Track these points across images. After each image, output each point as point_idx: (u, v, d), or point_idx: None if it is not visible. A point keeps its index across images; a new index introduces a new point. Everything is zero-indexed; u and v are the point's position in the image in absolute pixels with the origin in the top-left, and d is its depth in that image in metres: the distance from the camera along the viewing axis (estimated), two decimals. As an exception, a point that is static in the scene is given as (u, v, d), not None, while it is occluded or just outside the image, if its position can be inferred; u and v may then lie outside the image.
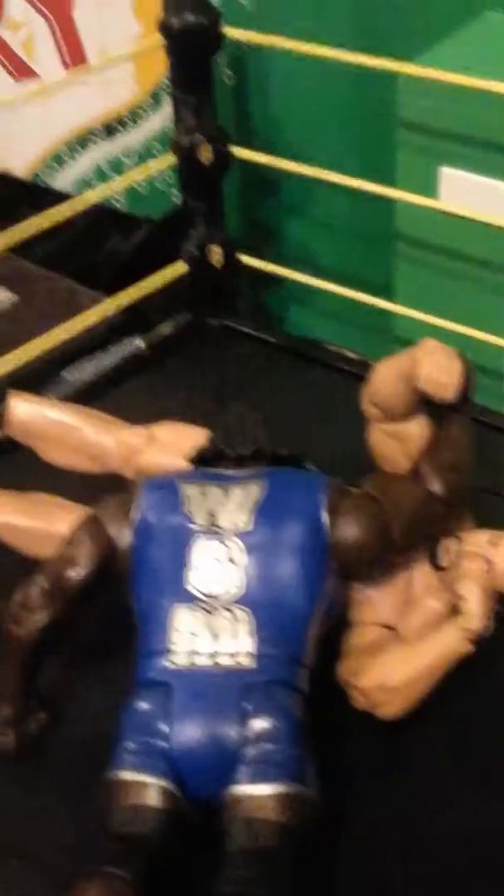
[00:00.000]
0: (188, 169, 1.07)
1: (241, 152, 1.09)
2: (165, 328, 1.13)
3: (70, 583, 0.70)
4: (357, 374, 0.81)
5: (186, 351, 1.12)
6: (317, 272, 1.12)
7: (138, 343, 1.12)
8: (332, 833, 0.65)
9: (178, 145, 1.06)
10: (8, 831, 0.68)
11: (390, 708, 0.70)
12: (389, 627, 0.75)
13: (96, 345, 1.12)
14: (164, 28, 1.02)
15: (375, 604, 0.75)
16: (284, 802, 0.61)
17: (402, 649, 0.71)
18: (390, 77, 1.00)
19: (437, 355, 0.73)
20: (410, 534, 0.72)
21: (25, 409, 0.85)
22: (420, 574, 0.76)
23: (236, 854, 0.60)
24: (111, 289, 1.13)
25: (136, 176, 1.15)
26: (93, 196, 1.10)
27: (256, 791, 0.62)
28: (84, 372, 1.08)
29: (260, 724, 0.64)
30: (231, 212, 1.19)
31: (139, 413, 0.87)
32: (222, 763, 0.63)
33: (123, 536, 0.71)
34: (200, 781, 0.64)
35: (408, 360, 0.75)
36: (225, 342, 1.13)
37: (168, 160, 1.08)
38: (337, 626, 0.74)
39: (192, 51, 1.03)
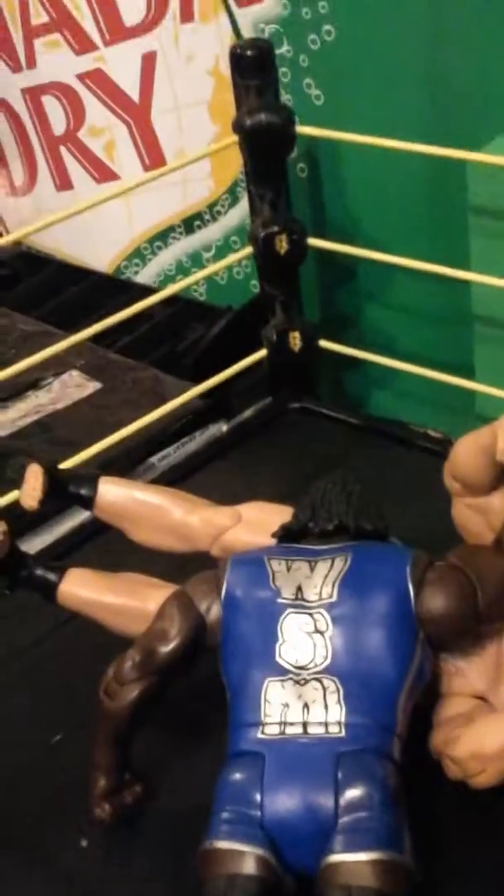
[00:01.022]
0: (265, 259, 1.10)
1: (316, 242, 1.12)
2: (247, 413, 1.16)
3: (161, 656, 0.72)
4: (440, 452, 0.82)
5: (268, 434, 1.14)
6: (396, 355, 1.15)
7: (221, 427, 1.14)
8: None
9: (254, 237, 1.09)
10: (106, 902, 0.69)
11: (485, 777, 0.69)
12: (481, 698, 0.75)
13: (181, 431, 1.15)
14: (238, 127, 1.06)
15: (466, 674, 0.76)
16: (381, 869, 0.61)
17: (494, 718, 0.71)
18: (460, 165, 1.03)
19: (516, 430, 0.74)
20: (497, 603, 0.72)
21: (114, 492, 0.87)
22: (510, 644, 0.76)
23: (334, 921, 0.60)
24: (194, 377, 1.16)
25: (217, 268, 1.19)
26: (175, 287, 1.14)
27: (352, 858, 0.62)
28: (171, 457, 1.11)
29: (353, 792, 0.64)
30: (310, 299, 1.22)
31: (223, 495, 0.89)
32: (317, 832, 0.64)
33: (213, 611, 0.73)
34: (295, 850, 0.64)
35: (488, 433, 0.76)
36: (306, 425, 1.15)
37: (246, 252, 1.12)
38: (429, 698, 0.74)
39: (266, 148, 1.07)
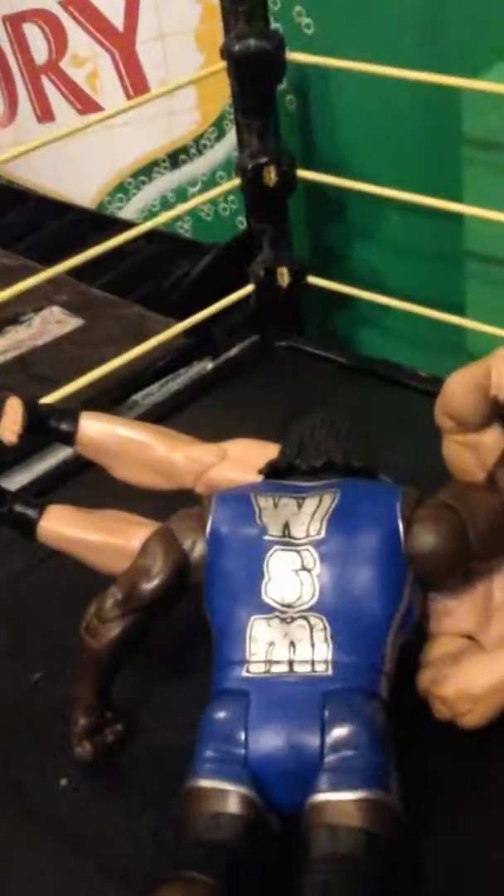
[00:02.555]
0: (253, 192, 1.08)
1: (305, 174, 1.09)
2: (233, 350, 1.14)
3: (143, 594, 0.70)
4: (429, 391, 0.80)
5: (255, 373, 1.12)
6: (386, 292, 1.12)
7: (207, 365, 1.12)
8: (418, 844, 0.64)
9: (242, 168, 1.06)
10: (88, 841, 0.68)
11: (473, 717, 0.68)
12: (470, 637, 0.74)
13: (166, 369, 1.13)
14: (226, 53, 1.03)
15: (455, 614, 0.74)
16: (367, 808, 0.60)
17: (484, 657, 0.70)
18: (455, 94, 1.00)
19: (510, 363, 0.73)
20: (487, 541, 0.71)
21: (96, 427, 0.85)
22: (500, 583, 0.74)
23: (318, 861, 0.59)
24: (179, 314, 1.14)
25: (202, 200, 1.16)
26: (158, 221, 1.11)
27: (338, 797, 0.60)
28: (155, 395, 1.09)
29: (340, 731, 0.63)
30: (299, 235, 1.20)
31: (209, 432, 0.87)
32: (302, 771, 0.62)
33: (197, 548, 0.71)
34: (280, 789, 0.63)
35: (481, 368, 0.74)
36: (293, 363, 1.13)
37: (233, 184, 1.09)
38: (417, 637, 0.73)
39: (254, 75, 1.04)
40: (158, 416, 1.04)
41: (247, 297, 1.13)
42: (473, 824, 0.66)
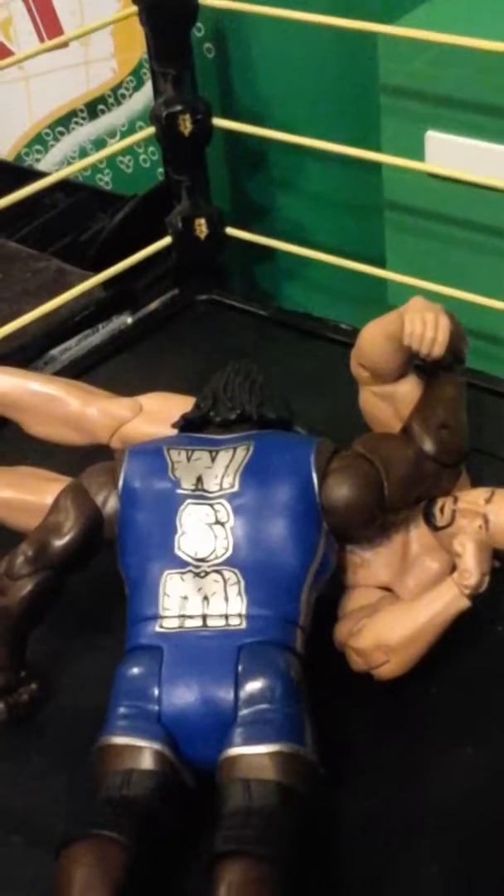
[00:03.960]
0: (169, 141, 1.06)
1: (222, 122, 1.07)
2: (153, 304, 1.12)
3: (55, 550, 0.69)
4: (349, 344, 0.80)
5: (175, 327, 1.11)
6: (307, 244, 1.11)
7: (126, 320, 1.11)
8: (333, 797, 0.64)
9: (157, 117, 1.04)
10: (2, 801, 0.67)
11: (389, 668, 0.68)
12: (387, 589, 0.74)
13: (85, 323, 1.11)
14: (138, -4, 1.01)
15: (371, 566, 0.74)
16: (281, 762, 0.60)
17: (399, 608, 0.70)
18: (373, 42, 0.99)
19: (423, 312, 0.72)
20: (403, 493, 0.71)
21: (8, 382, 0.84)
22: (417, 534, 0.74)
23: (233, 813, 0.58)
24: (98, 268, 1.11)
25: (117, 149, 1.13)
26: (73, 170, 1.09)
27: (252, 751, 0.60)
28: (72, 350, 1.07)
29: (253, 684, 0.63)
30: (219, 186, 1.18)
31: (127, 388, 0.86)
32: (216, 725, 0.62)
33: (109, 503, 0.70)
34: (194, 744, 0.62)
35: (395, 318, 0.73)
36: (214, 317, 1.12)
37: (147, 132, 1.07)
38: (333, 589, 0.72)
39: (167, 20, 1.02)
40: (76, 371, 1.02)
41: (167, 251, 1.11)
42: (388, 774, 0.66)
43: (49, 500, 0.73)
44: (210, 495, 0.69)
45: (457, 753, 0.67)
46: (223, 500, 0.68)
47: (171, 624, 0.65)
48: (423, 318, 0.71)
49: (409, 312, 0.72)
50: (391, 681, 0.68)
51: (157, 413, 0.81)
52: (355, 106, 1.09)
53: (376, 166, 1.03)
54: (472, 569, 0.67)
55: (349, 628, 0.71)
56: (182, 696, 0.63)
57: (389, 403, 0.77)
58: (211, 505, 0.68)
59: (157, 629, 0.65)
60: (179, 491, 0.69)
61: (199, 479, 0.69)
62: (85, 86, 1.33)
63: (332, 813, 0.64)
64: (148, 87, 1.27)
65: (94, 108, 1.34)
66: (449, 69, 0.95)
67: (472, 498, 0.72)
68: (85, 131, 1.37)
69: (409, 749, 0.68)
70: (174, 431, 0.76)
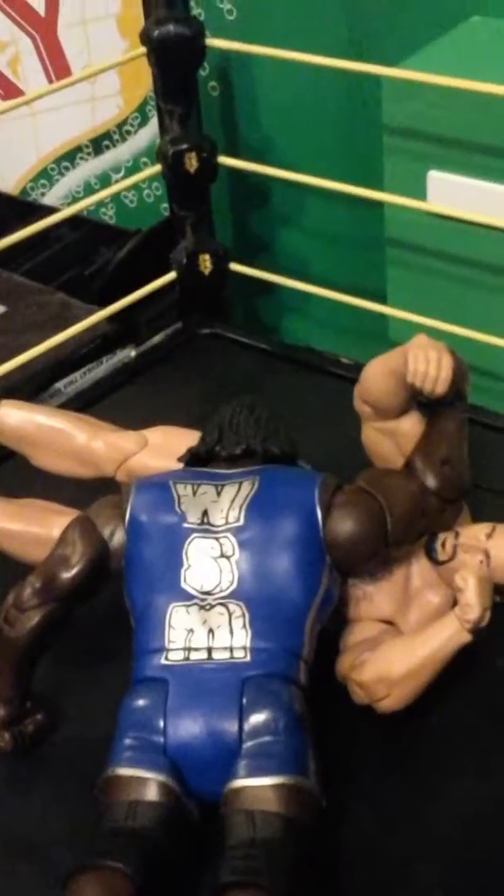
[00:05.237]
0: (174, 178, 1.07)
1: (227, 161, 1.09)
2: (156, 338, 1.13)
3: (62, 583, 0.70)
4: (351, 378, 0.81)
5: (178, 360, 1.12)
6: (309, 280, 1.12)
7: (130, 353, 1.12)
8: (337, 828, 0.64)
9: (163, 154, 1.06)
10: (9, 831, 0.68)
11: (390, 701, 0.69)
12: (388, 622, 0.75)
13: (88, 356, 1.12)
14: (146, 38, 1.02)
15: (374, 599, 0.75)
16: (285, 794, 0.60)
17: (401, 642, 0.70)
18: (376, 82, 1.01)
19: (426, 350, 0.73)
20: (405, 528, 0.72)
21: (17, 416, 0.85)
22: (418, 569, 0.75)
23: (237, 845, 0.59)
24: (102, 302, 1.13)
25: (124, 186, 1.15)
26: (80, 206, 1.10)
27: (256, 783, 0.61)
28: (77, 383, 1.08)
29: (258, 717, 0.63)
30: (222, 222, 1.19)
31: (131, 419, 0.87)
32: (220, 758, 0.63)
33: (116, 536, 0.71)
34: (199, 776, 0.63)
35: (398, 355, 0.74)
36: (217, 351, 1.13)
37: (154, 170, 1.09)
38: (336, 623, 0.73)
39: (174, 61, 1.04)
40: (81, 403, 1.03)
41: (171, 285, 1.13)
42: (390, 807, 0.67)
43: (56, 532, 0.74)
44: (216, 529, 0.69)
45: (458, 784, 0.67)
46: (228, 534, 0.69)
47: (176, 657, 0.66)
48: (426, 355, 0.72)
49: (412, 350, 0.73)
50: (392, 713, 0.69)
51: (162, 447, 0.82)
52: (358, 145, 1.11)
53: (378, 204, 1.04)
54: (473, 603, 0.67)
55: (351, 661, 0.71)
56: (187, 728, 0.63)
57: (392, 439, 0.78)
58: (216, 538, 0.69)
59: (163, 661, 0.66)
60: (186, 525, 0.70)
61: (205, 513, 0.70)
62: (91, 122, 1.35)
63: (335, 843, 0.64)
64: (153, 124, 1.29)
65: (99, 143, 1.36)
66: (451, 110, 0.97)
67: (474, 533, 0.74)
68: (90, 166, 1.38)
69: (411, 780, 0.68)
70: (179, 465, 0.77)
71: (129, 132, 1.34)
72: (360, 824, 0.65)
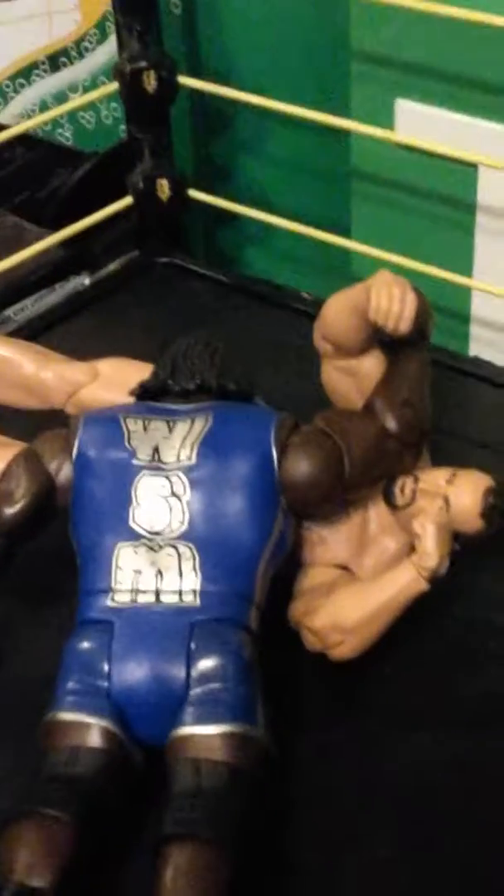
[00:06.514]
0: (132, 98, 1.03)
1: (188, 81, 1.05)
2: (112, 266, 1.10)
3: (5, 519, 0.67)
4: (311, 313, 0.78)
5: (134, 290, 1.08)
6: (272, 210, 1.09)
7: (84, 281, 1.08)
8: (286, 779, 0.63)
9: (120, 72, 1.01)
10: None
11: (344, 648, 0.67)
12: (344, 568, 0.73)
13: (41, 283, 1.08)
14: None
15: (329, 544, 0.73)
16: (232, 742, 0.59)
17: (356, 588, 0.69)
18: (345, 4, 0.97)
19: (389, 286, 0.70)
20: (363, 470, 0.69)
21: (-39, 343, 0.81)
22: (376, 513, 0.73)
23: (181, 795, 0.57)
24: (57, 226, 1.09)
25: (77, 104, 1.10)
26: (32, 123, 1.05)
27: (202, 731, 0.59)
28: (28, 310, 1.05)
29: (206, 663, 0.61)
30: (182, 148, 1.15)
31: (84, 351, 0.84)
32: (166, 704, 0.61)
33: (63, 471, 0.69)
34: (144, 723, 0.61)
35: (360, 291, 0.72)
36: (174, 281, 1.10)
37: (109, 88, 1.04)
38: (290, 566, 0.71)
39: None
40: (31, 332, 1.00)
41: (128, 211, 1.09)
42: (342, 759, 0.65)
43: (0, 465, 0.71)
44: (166, 467, 0.67)
45: (411, 736, 0.66)
46: (180, 473, 0.67)
47: (123, 598, 0.64)
48: (389, 292, 0.70)
49: (375, 286, 0.70)
50: (346, 661, 0.67)
51: (113, 379, 0.79)
52: (325, 70, 1.07)
53: (345, 133, 1.01)
54: (431, 551, 0.66)
55: (304, 607, 0.69)
56: (132, 672, 0.61)
57: (352, 378, 0.76)
58: (167, 476, 0.67)
59: (109, 603, 0.64)
60: (135, 461, 0.67)
61: (156, 450, 0.68)
62: (47, 37, 1.30)
63: (283, 795, 0.62)
64: (112, 42, 1.23)
65: (55, 60, 1.31)
66: (423, 37, 0.93)
67: (433, 478, 0.71)
68: (46, 84, 1.33)
69: (363, 731, 0.67)
70: (130, 398, 0.74)
71: (87, 49, 1.28)
72: (310, 776, 0.64)
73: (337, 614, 0.67)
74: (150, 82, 1.01)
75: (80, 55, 1.29)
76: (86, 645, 0.63)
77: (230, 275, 1.11)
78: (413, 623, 0.67)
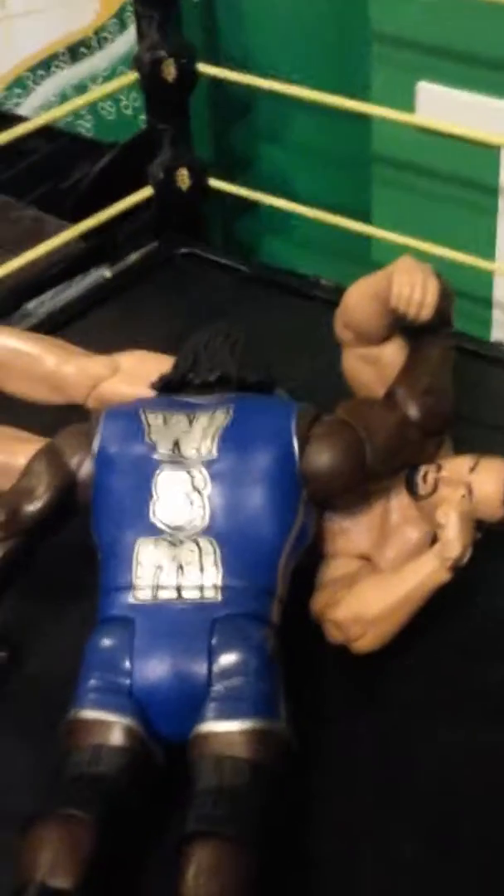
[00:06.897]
0: (152, 88, 1.03)
1: (207, 69, 1.04)
2: (132, 257, 1.09)
3: (27, 515, 0.67)
4: (332, 301, 0.77)
5: (154, 281, 1.08)
6: (292, 198, 1.08)
7: (104, 273, 1.08)
8: (309, 771, 0.62)
9: (140, 62, 1.01)
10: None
11: (366, 640, 0.66)
12: (366, 559, 0.72)
13: (62, 275, 1.08)
14: None
15: (351, 535, 0.72)
16: (254, 738, 0.58)
17: (378, 580, 0.68)
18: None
19: (411, 272, 0.69)
20: (385, 460, 0.69)
21: (-18, 339, 0.81)
22: (398, 503, 0.72)
23: (204, 792, 0.57)
24: (77, 218, 1.08)
25: (98, 95, 1.10)
26: (53, 115, 1.05)
27: (224, 727, 0.59)
28: (48, 304, 1.04)
29: (228, 658, 0.61)
30: (201, 136, 1.14)
31: (104, 344, 0.83)
32: (189, 700, 0.60)
33: (84, 467, 0.68)
34: (166, 720, 0.61)
35: (381, 278, 0.71)
36: (194, 272, 1.09)
37: (129, 78, 1.04)
38: (311, 558, 0.70)
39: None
40: (52, 325, 0.99)
41: (148, 202, 1.08)
42: (363, 753, 0.65)
43: (22, 461, 0.71)
44: (187, 460, 0.66)
45: (433, 729, 0.65)
46: (201, 466, 0.66)
47: (144, 595, 0.63)
48: (411, 279, 0.69)
49: (396, 273, 0.69)
50: (368, 653, 0.67)
51: (134, 372, 0.79)
52: (345, 54, 1.06)
53: (365, 118, 1.00)
54: (454, 540, 0.65)
55: (326, 599, 0.69)
56: (154, 669, 0.61)
57: (373, 367, 0.75)
58: (188, 471, 0.66)
59: (130, 600, 0.64)
60: (155, 456, 0.67)
61: (177, 444, 0.67)
62: (66, 27, 1.29)
63: (306, 789, 0.62)
64: (131, 31, 1.23)
65: (75, 50, 1.30)
66: (444, 18, 0.92)
67: (456, 467, 0.71)
68: (66, 75, 1.32)
69: (386, 723, 0.66)
70: (152, 392, 0.74)
71: (106, 39, 1.28)
72: (332, 770, 0.63)
73: (359, 606, 0.66)
74: (170, 71, 1.00)
75: (100, 45, 1.28)
76: (107, 642, 0.63)
77: (250, 264, 1.11)
78: (435, 614, 0.67)
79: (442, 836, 0.60)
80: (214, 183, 1.08)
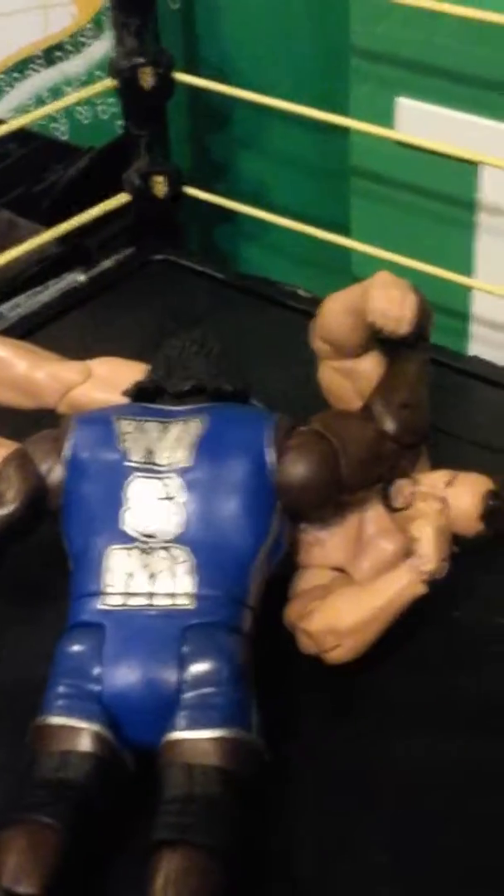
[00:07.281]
0: (129, 94, 1.03)
1: (184, 77, 1.04)
2: (107, 262, 1.09)
3: (-4, 520, 0.66)
4: (309, 312, 0.77)
5: (129, 287, 1.08)
6: (269, 208, 1.08)
7: (79, 277, 1.07)
8: (280, 784, 0.62)
9: (117, 69, 1.01)
10: None
11: (340, 652, 0.66)
12: (340, 570, 0.72)
13: (36, 279, 1.07)
14: None
15: (326, 546, 0.72)
16: (225, 747, 0.58)
17: (352, 591, 0.68)
18: (344, 1, 0.96)
19: (389, 287, 0.69)
20: (360, 473, 0.69)
21: (-48, 341, 0.80)
22: (373, 515, 0.72)
23: (173, 800, 0.56)
24: (51, 222, 1.08)
25: (73, 99, 1.09)
26: (28, 118, 1.04)
27: (195, 736, 0.58)
28: (21, 307, 1.04)
29: (199, 667, 0.60)
30: (179, 144, 1.14)
31: (78, 349, 0.83)
32: (159, 708, 0.60)
33: (54, 473, 0.68)
34: (136, 727, 0.60)
35: (358, 292, 0.71)
36: (170, 278, 1.09)
37: (106, 85, 1.03)
38: (285, 569, 0.70)
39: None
40: (24, 330, 0.99)
41: (124, 208, 1.08)
42: (337, 764, 0.64)
43: (-9, 466, 0.71)
44: (160, 469, 0.66)
45: (407, 742, 0.65)
46: (174, 475, 0.66)
47: (114, 601, 0.63)
48: (388, 294, 0.69)
49: (374, 288, 0.69)
50: (342, 665, 0.66)
51: (107, 379, 0.78)
52: (324, 67, 1.06)
53: (344, 131, 1.00)
54: (430, 555, 0.65)
55: (300, 609, 0.69)
56: (124, 676, 0.60)
57: (350, 379, 0.75)
58: (160, 479, 0.66)
59: (100, 606, 0.63)
60: (127, 463, 0.66)
61: (149, 452, 0.67)
62: (43, 31, 1.29)
63: (277, 800, 0.62)
64: (108, 36, 1.22)
65: (51, 54, 1.30)
66: (424, 34, 0.92)
67: (432, 481, 0.71)
68: (41, 78, 1.32)
69: (359, 736, 0.66)
70: (124, 399, 0.73)
71: (83, 43, 1.27)
72: (304, 781, 0.63)
73: (333, 617, 0.66)
74: (147, 79, 1.00)
75: (77, 49, 1.28)
76: (76, 648, 0.62)
77: (227, 272, 1.10)
78: (410, 625, 0.67)
79: (415, 847, 0.60)
80: (191, 191, 1.08)
